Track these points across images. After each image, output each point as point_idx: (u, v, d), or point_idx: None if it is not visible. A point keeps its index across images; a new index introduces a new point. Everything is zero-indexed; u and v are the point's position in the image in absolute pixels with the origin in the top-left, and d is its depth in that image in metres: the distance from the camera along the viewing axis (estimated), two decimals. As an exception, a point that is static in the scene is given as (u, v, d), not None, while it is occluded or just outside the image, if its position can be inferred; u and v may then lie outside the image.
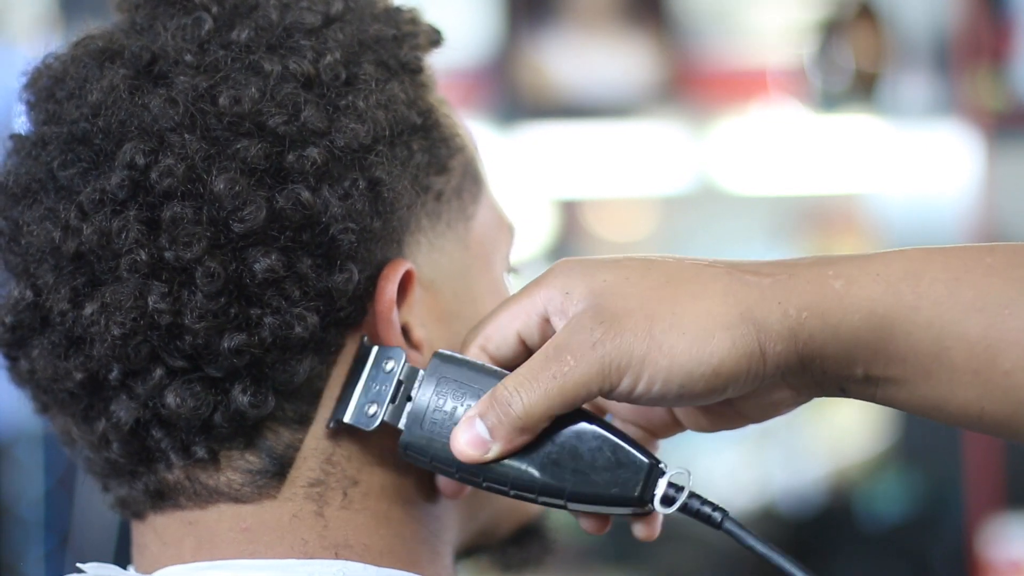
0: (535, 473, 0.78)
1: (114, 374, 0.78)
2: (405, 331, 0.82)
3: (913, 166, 2.83)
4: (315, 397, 0.80)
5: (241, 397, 0.78)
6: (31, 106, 0.82)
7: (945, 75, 2.68)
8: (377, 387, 0.80)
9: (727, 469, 2.86)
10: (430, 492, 0.84)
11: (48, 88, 0.81)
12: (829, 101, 2.81)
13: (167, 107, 0.77)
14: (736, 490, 2.84)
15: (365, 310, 0.81)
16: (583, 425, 0.78)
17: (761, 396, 0.79)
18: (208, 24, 0.80)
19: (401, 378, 0.80)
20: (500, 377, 0.78)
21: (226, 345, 0.77)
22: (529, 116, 2.90)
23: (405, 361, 0.80)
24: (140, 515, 0.83)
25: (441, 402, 0.79)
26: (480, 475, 0.78)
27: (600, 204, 3.23)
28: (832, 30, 2.81)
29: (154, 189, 0.76)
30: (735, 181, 2.99)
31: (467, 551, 0.91)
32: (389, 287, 0.80)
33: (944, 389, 0.76)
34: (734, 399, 0.79)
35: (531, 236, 3.08)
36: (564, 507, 0.79)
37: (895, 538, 2.73)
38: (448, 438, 0.78)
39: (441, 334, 0.84)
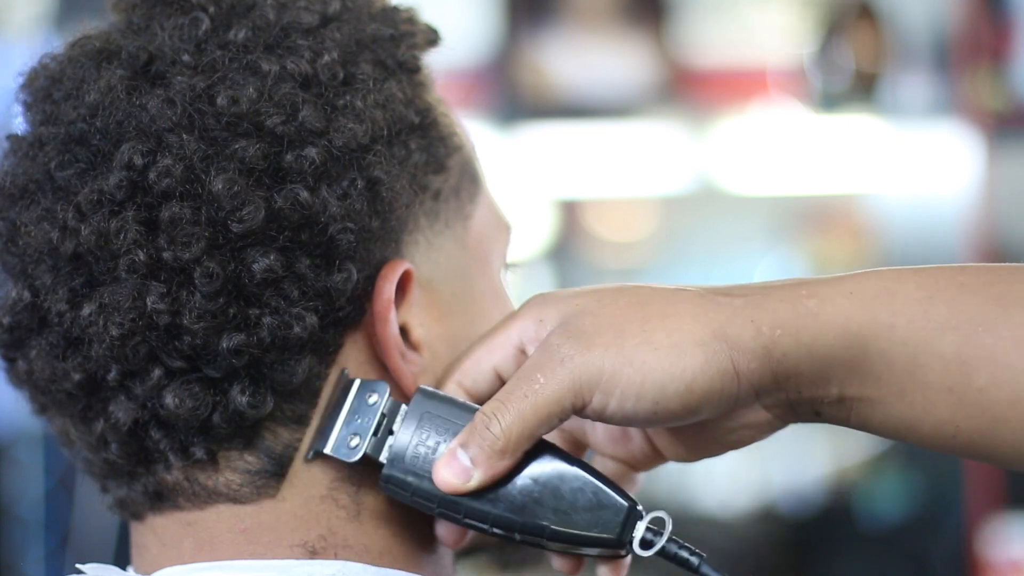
0: (516, 510, 0.78)
1: (112, 375, 0.78)
2: (404, 331, 0.82)
3: (913, 166, 2.83)
4: (313, 397, 0.80)
5: (240, 397, 0.78)
6: (28, 107, 0.82)
7: (945, 75, 2.68)
8: (359, 419, 0.79)
9: (727, 469, 2.86)
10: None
11: (45, 89, 0.81)
12: (829, 101, 2.81)
13: (165, 107, 0.77)
14: (736, 490, 2.84)
15: (364, 310, 0.81)
16: (564, 466, 0.78)
17: (737, 419, 0.79)
18: (205, 24, 0.80)
19: (384, 411, 0.80)
20: None
21: (225, 345, 0.76)
22: (529, 116, 2.90)
23: (389, 395, 0.80)
24: (139, 516, 0.83)
25: (423, 437, 0.79)
26: (461, 510, 0.78)
27: (600, 204, 3.23)
28: (832, 30, 2.81)
29: (152, 189, 0.76)
30: (735, 181, 2.99)
31: (466, 550, 0.90)
32: (387, 287, 0.80)
33: (919, 408, 0.76)
34: (710, 424, 0.79)
35: (531, 236, 3.08)
36: (542, 546, 0.79)
37: (895, 538, 2.73)
38: (429, 472, 0.78)
39: (440, 333, 0.84)
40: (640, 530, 0.78)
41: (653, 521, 0.78)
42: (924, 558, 2.70)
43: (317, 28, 0.81)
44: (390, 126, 0.81)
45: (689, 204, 3.14)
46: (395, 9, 0.86)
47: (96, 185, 0.77)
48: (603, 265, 3.24)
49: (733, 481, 2.88)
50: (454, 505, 0.78)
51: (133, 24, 0.82)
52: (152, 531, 0.82)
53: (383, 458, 0.80)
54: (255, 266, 0.76)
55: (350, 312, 0.80)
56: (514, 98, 2.90)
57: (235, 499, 0.80)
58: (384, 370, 0.81)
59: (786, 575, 2.76)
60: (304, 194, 0.77)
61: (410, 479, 0.79)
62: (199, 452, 0.79)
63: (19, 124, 0.82)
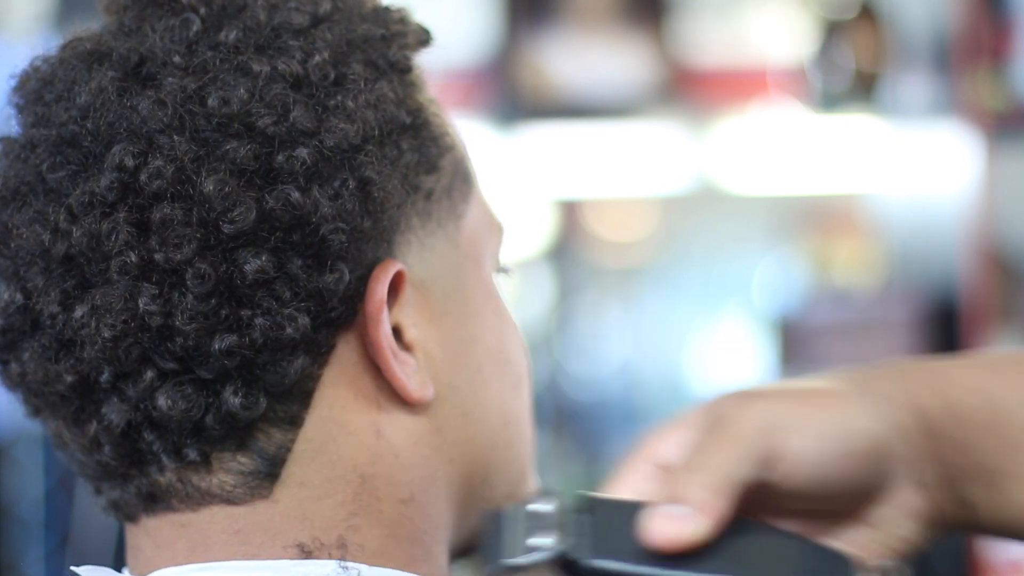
0: None
1: (105, 376, 0.78)
2: (396, 332, 0.82)
3: (913, 166, 2.83)
4: (306, 397, 0.80)
5: (232, 399, 0.78)
6: (20, 109, 0.82)
7: (945, 75, 2.68)
8: (538, 529, 0.74)
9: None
10: (424, 490, 0.84)
11: (36, 91, 0.81)
12: (829, 101, 2.81)
13: (156, 109, 0.77)
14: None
15: (356, 310, 0.81)
16: (779, 539, 0.75)
17: (891, 498, 0.75)
18: (196, 25, 0.80)
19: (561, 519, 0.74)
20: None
21: (217, 346, 0.76)
22: (529, 116, 2.91)
23: (559, 504, 0.75)
24: (133, 518, 0.82)
25: (609, 526, 0.73)
26: None
27: (600, 204, 3.23)
28: (832, 30, 2.81)
29: (143, 191, 0.76)
30: (735, 181, 2.99)
31: (463, 551, 0.90)
32: (379, 288, 0.80)
33: None
34: (864, 512, 0.76)
35: (531, 236, 3.08)
36: None
37: (895, 538, 2.72)
38: (629, 555, 0.71)
39: (433, 333, 0.84)
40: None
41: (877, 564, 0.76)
42: (924, 558, 2.69)
43: (308, 29, 0.81)
44: (381, 126, 0.81)
45: (689, 204, 3.14)
46: (386, 9, 0.86)
47: (87, 187, 0.77)
48: (603, 265, 3.24)
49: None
50: None
51: (124, 26, 0.82)
52: (146, 533, 0.82)
53: (574, 552, 0.74)
54: (247, 267, 0.76)
55: (342, 313, 0.80)
56: (514, 98, 2.90)
57: (228, 500, 0.80)
58: (377, 370, 0.81)
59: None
60: (295, 195, 0.77)
61: (611, 565, 0.73)
62: (192, 453, 0.79)
63: (12, 126, 0.82)
